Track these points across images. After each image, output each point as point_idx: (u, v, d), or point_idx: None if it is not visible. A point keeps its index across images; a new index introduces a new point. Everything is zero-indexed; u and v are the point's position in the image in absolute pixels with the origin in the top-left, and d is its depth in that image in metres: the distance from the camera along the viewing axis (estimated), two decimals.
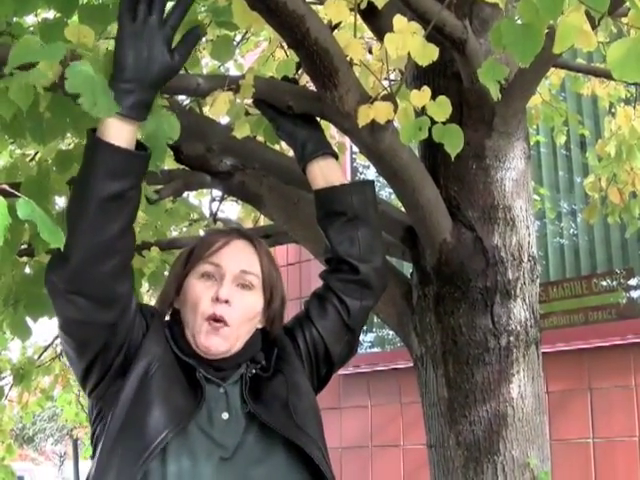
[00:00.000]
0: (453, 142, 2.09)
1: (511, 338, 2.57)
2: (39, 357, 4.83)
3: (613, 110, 4.14)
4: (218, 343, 1.78)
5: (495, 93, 1.98)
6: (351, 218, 2.02)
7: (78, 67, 1.59)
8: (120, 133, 1.64)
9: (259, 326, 1.89)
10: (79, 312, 1.64)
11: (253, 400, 1.75)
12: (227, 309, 1.79)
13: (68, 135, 3.24)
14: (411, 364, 2.82)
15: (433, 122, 2.06)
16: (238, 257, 1.85)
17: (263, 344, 1.89)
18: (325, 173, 2.05)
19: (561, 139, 4.56)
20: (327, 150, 2.07)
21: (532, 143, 4.51)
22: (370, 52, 3.44)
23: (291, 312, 1.98)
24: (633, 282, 5.58)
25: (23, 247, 3.12)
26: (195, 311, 1.79)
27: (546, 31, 1.78)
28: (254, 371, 1.82)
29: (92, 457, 1.75)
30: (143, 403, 1.68)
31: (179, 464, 1.64)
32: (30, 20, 3.06)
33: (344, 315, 1.98)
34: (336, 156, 2.09)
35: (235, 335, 1.81)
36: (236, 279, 1.82)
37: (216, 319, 1.77)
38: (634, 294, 5.57)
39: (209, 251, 1.84)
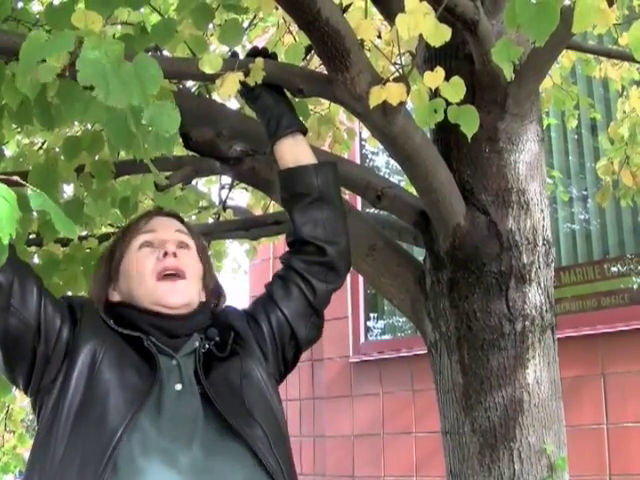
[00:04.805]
0: (469, 123, 2.06)
1: (526, 323, 2.54)
2: None
3: (625, 93, 4.09)
4: (178, 294, 1.80)
5: (508, 73, 1.94)
6: (315, 199, 2.01)
7: (87, 56, 1.56)
8: None
9: (202, 298, 1.90)
10: None
11: (206, 378, 1.72)
12: (177, 261, 1.82)
13: (75, 123, 3.24)
14: (422, 351, 2.79)
15: (447, 104, 2.03)
16: (169, 222, 1.92)
17: (216, 325, 1.87)
18: (295, 152, 2.04)
19: (572, 123, 4.51)
20: (302, 127, 2.07)
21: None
22: (379, 37, 3.40)
23: None
24: None
25: (31, 237, 3.10)
26: (143, 277, 1.80)
27: None
28: (207, 346, 1.79)
29: (38, 448, 1.67)
30: (98, 392, 1.63)
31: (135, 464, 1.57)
32: (36, 8, 3.05)
33: (309, 296, 1.96)
34: (305, 132, 2.08)
35: (190, 289, 1.83)
36: (174, 240, 1.86)
37: (168, 274, 1.79)
38: None
39: (139, 225, 1.87)
